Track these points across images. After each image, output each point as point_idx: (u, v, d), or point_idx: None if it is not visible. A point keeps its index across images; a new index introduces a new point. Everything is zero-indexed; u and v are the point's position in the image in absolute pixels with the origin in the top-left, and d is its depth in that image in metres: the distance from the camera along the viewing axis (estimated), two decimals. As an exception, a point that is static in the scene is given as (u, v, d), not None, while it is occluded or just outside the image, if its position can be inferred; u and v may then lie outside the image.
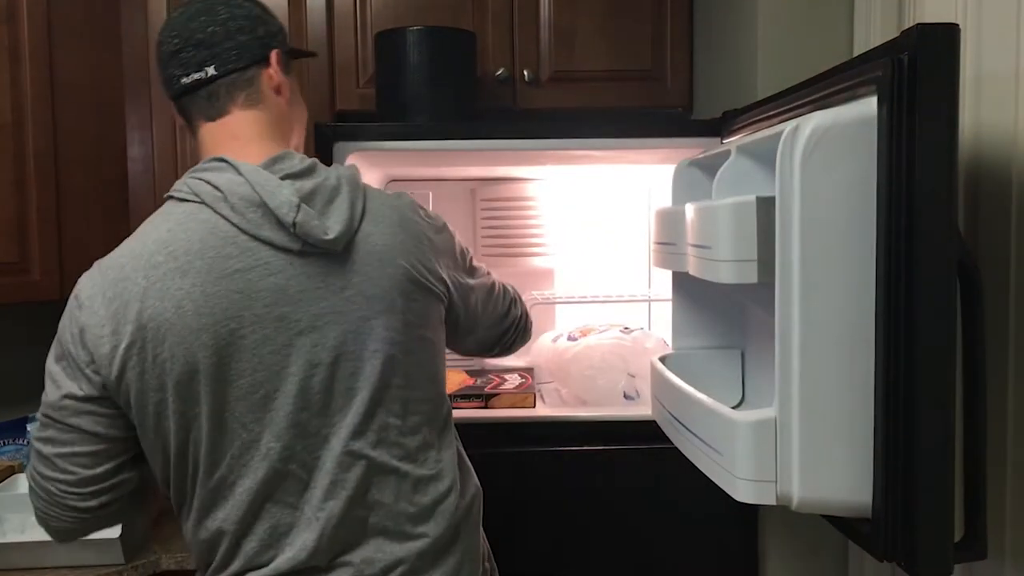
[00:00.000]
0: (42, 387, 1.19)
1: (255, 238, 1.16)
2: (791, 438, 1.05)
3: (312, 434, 1.19)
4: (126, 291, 1.15)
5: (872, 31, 1.64)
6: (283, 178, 1.18)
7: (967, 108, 1.24)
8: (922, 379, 0.97)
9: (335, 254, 1.19)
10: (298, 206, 1.15)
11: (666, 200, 1.62)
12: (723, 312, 1.60)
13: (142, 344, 1.14)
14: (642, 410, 1.73)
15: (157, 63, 1.28)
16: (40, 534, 1.73)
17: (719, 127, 1.67)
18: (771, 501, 1.07)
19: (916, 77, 0.96)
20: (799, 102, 1.25)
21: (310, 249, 1.17)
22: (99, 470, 1.20)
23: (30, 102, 1.93)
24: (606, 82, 2.16)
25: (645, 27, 2.16)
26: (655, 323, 2.26)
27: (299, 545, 1.18)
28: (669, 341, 1.75)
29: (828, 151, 1.02)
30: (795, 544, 1.76)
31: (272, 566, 1.19)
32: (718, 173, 1.32)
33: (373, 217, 1.24)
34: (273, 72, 1.27)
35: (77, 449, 1.19)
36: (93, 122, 2.05)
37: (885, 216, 0.98)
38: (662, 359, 1.56)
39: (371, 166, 1.78)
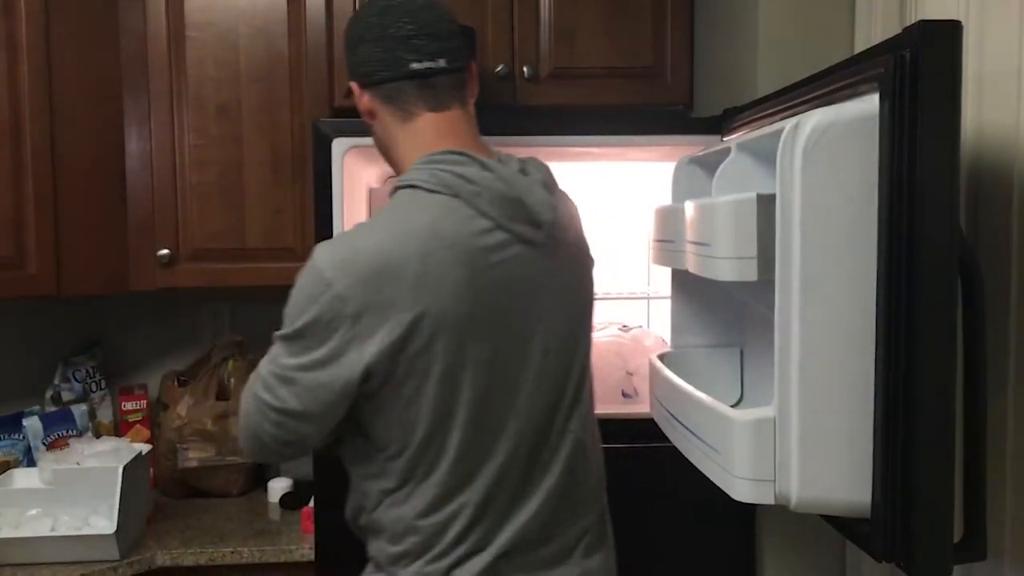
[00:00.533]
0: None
1: (508, 231, 1.23)
2: (790, 437, 1.04)
3: (540, 416, 1.26)
4: (396, 277, 1.17)
5: (873, 28, 1.63)
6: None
7: (969, 106, 1.23)
8: (922, 378, 0.96)
9: (553, 249, 1.28)
10: (553, 207, 1.26)
11: (666, 198, 1.61)
12: (722, 310, 1.60)
13: (413, 331, 1.17)
14: (640, 408, 1.72)
15: (373, 43, 1.29)
16: (35, 530, 1.74)
17: (719, 125, 1.67)
18: (769, 500, 1.06)
19: (918, 74, 0.95)
20: (800, 99, 1.24)
21: (546, 242, 1.26)
22: (317, 439, 1.29)
23: (27, 95, 1.93)
24: (606, 79, 2.15)
25: (646, 24, 2.14)
26: (654, 321, 2.25)
27: (520, 522, 1.25)
28: (668, 339, 1.75)
29: (829, 148, 1.01)
30: (792, 543, 1.75)
31: (497, 544, 1.24)
32: (718, 170, 1.31)
33: (567, 213, 1.33)
34: (474, 80, 1.36)
35: (309, 412, 1.24)
36: (91, 116, 2.04)
37: (886, 214, 0.97)
38: (661, 357, 1.55)
39: (367, 163, 1.76)
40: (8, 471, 1.88)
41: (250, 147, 2.11)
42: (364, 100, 1.35)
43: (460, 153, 1.26)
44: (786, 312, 1.03)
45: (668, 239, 1.42)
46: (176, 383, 2.24)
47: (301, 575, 1.85)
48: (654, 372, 1.50)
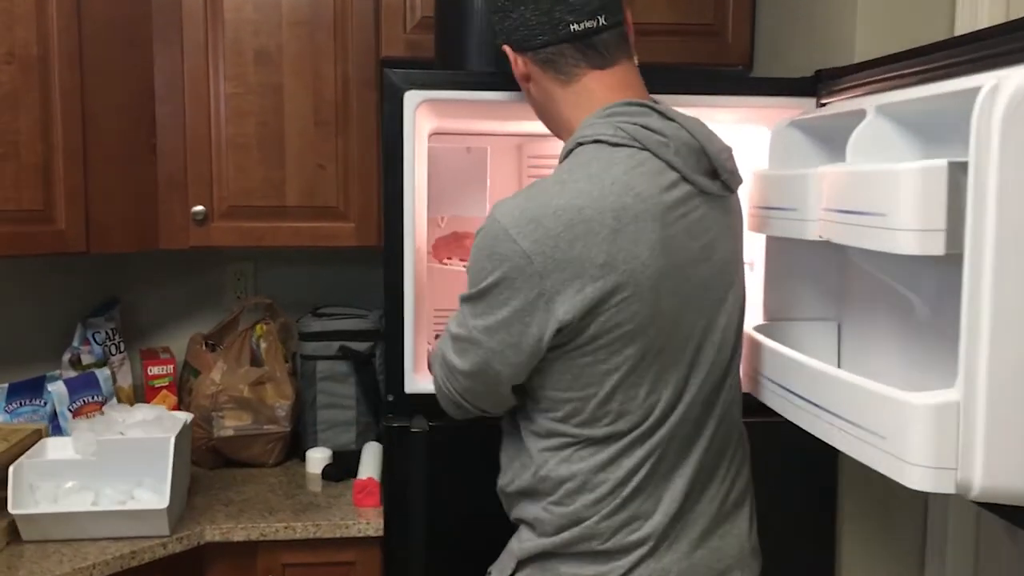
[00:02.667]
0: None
1: (691, 182, 1.21)
2: (975, 422, 0.97)
3: (717, 371, 1.26)
4: (590, 233, 1.14)
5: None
6: None
7: None
8: None
9: (725, 200, 1.27)
10: (731, 156, 1.25)
11: (751, 162, 1.53)
12: (820, 283, 1.53)
13: (608, 289, 1.15)
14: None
15: (528, 4, 1.25)
16: (77, 504, 1.63)
17: (812, 87, 1.58)
18: (950, 489, 0.99)
19: None
20: (953, 60, 1.16)
21: (720, 193, 1.25)
22: (510, 397, 1.29)
23: (56, 34, 1.77)
24: (666, 36, 2.04)
25: (706, -22, 2.05)
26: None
27: (673, 496, 1.24)
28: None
29: (1032, 114, 0.93)
30: (873, 526, 1.70)
31: (660, 513, 1.23)
32: (853, 136, 1.23)
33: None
34: (630, 29, 1.30)
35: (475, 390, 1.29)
36: (121, 61, 1.89)
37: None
38: (756, 329, 1.49)
39: (432, 117, 1.65)
40: (40, 440, 1.75)
41: (291, 97, 1.98)
42: (519, 65, 1.30)
43: (639, 104, 1.23)
44: (975, 290, 0.96)
45: (785, 207, 1.33)
46: (204, 347, 2.12)
47: (358, 551, 1.76)
48: (757, 346, 1.43)
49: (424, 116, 1.61)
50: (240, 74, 1.96)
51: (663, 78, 1.62)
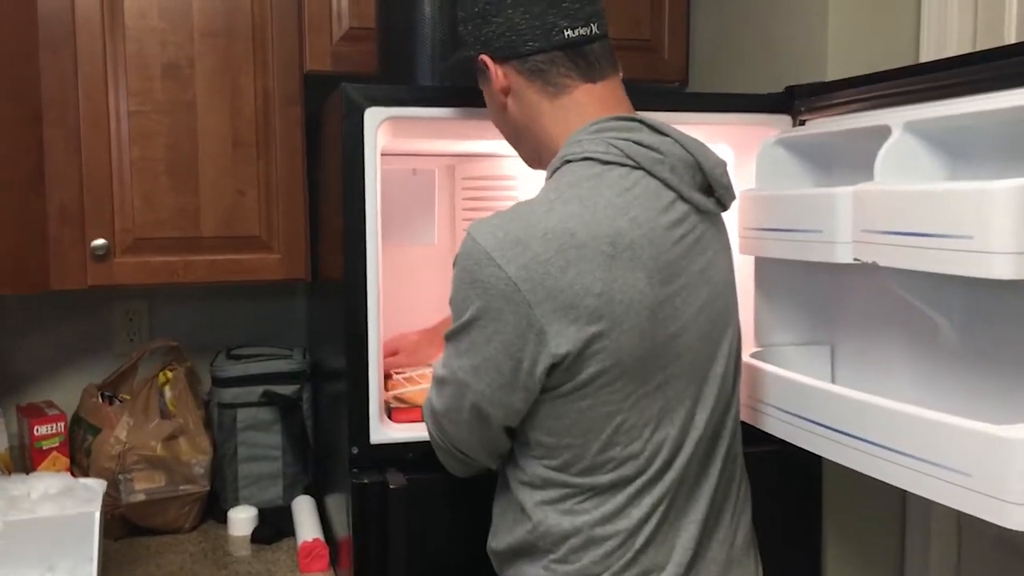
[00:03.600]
0: None
1: (686, 200, 1.13)
2: (1076, 455, 0.92)
3: (721, 405, 1.18)
4: (584, 259, 1.04)
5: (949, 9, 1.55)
6: None
7: None
8: None
9: (718, 217, 1.20)
10: (725, 169, 1.16)
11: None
12: (811, 306, 1.47)
13: (611, 320, 1.05)
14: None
15: (519, 7, 1.14)
16: None
17: (785, 104, 1.53)
18: (1051, 528, 0.93)
19: None
20: (955, 80, 1.13)
21: (714, 210, 1.17)
22: (507, 441, 1.20)
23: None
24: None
25: (644, -6, 1.98)
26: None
27: (684, 544, 1.15)
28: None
29: None
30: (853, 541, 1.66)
31: (673, 564, 1.14)
32: (883, 152, 1.18)
33: None
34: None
35: (461, 435, 1.22)
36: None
37: None
38: (754, 355, 1.41)
39: (387, 136, 1.50)
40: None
41: (205, 115, 1.76)
42: (499, 77, 1.18)
43: (629, 119, 1.13)
44: (1076, 315, 0.91)
45: (804, 228, 1.26)
46: (102, 399, 1.85)
47: (313, 625, 1.57)
48: (762, 374, 1.35)
49: (383, 135, 1.45)
50: (145, 89, 1.73)
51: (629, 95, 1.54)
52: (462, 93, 1.43)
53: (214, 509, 1.88)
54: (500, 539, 1.23)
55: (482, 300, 1.06)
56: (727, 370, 1.19)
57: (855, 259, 1.18)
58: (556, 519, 1.14)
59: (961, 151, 1.18)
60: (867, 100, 1.35)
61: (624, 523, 1.13)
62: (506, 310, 1.05)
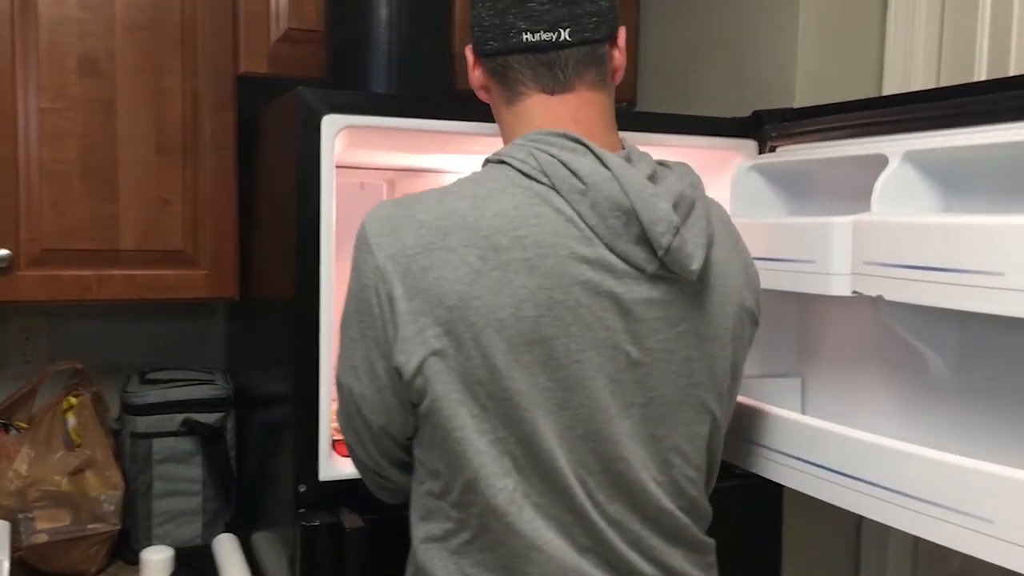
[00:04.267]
0: None
1: (609, 248, 0.97)
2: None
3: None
4: (449, 265, 0.95)
5: (915, 36, 1.54)
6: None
7: None
8: None
9: (679, 282, 1.01)
10: (676, 229, 0.97)
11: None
12: (780, 338, 1.43)
13: (456, 341, 0.95)
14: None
15: (484, 3, 1.05)
16: None
17: (753, 129, 1.49)
18: (1080, 578, 0.90)
19: None
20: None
21: (661, 273, 0.99)
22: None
23: None
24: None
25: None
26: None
27: None
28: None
29: None
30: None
31: None
32: (880, 182, 1.14)
33: (718, 240, 1.06)
34: (619, 52, 1.08)
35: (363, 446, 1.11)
36: None
37: None
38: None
39: (341, 146, 1.38)
40: None
41: (126, 116, 1.60)
42: (476, 74, 1.10)
43: (573, 139, 1.00)
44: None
45: (794, 258, 1.21)
46: (-4, 428, 1.67)
47: None
48: (761, 414, 1.29)
49: (339, 144, 1.33)
50: (59, 85, 1.56)
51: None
52: (426, 103, 1.34)
53: (123, 550, 1.71)
54: None
55: (357, 287, 1.00)
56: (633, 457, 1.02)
57: (854, 292, 1.13)
58: (440, 565, 1.04)
59: (956, 183, 1.15)
60: (846, 128, 1.32)
61: None
62: (373, 301, 0.98)
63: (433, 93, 1.50)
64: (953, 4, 1.49)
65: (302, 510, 1.30)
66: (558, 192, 0.98)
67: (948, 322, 1.15)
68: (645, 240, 0.97)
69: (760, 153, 1.49)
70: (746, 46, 1.67)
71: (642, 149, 1.07)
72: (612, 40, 1.07)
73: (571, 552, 1.00)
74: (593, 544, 1.01)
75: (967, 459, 0.97)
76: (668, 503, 1.05)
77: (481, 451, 0.98)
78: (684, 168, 1.07)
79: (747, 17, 1.67)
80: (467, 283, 0.95)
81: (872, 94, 1.59)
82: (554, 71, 1.04)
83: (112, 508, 1.63)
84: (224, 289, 1.68)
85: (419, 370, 0.97)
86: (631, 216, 0.97)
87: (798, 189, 1.41)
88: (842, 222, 1.14)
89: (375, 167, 1.83)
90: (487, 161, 1.05)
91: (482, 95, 1.12)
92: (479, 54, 1.08)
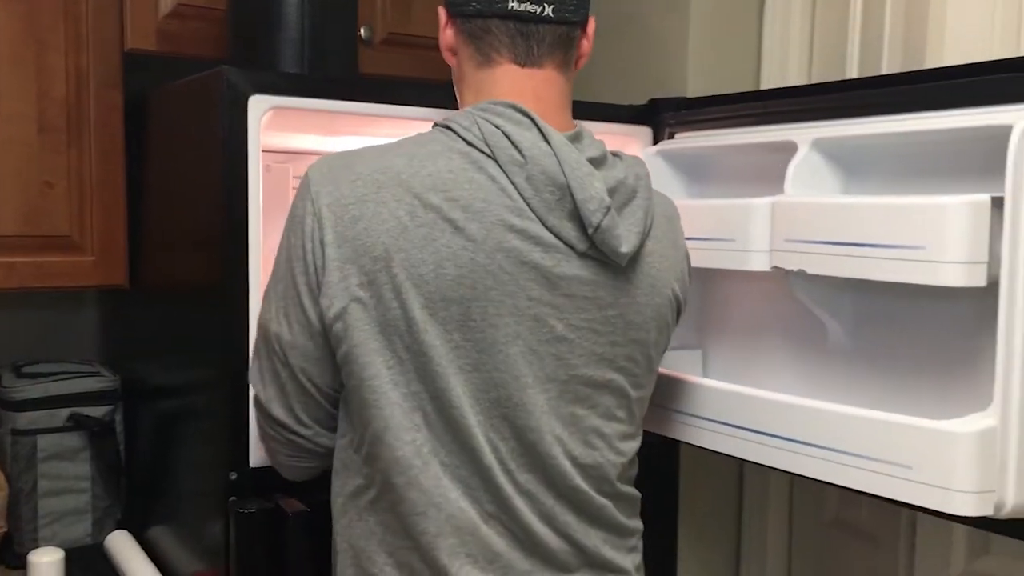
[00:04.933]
0: None
1: (541, 221, 1.01)
2: (1009, 445, 1.02)
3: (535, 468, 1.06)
4: (378, 217, 0.98)
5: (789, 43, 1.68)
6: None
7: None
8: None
9: (611, 266, 1.05)
10: (608, 208, 1.01)
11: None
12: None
13: (377, 291, 0.97)
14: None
15: None
16: None
17: (648, 116, 1.58)
18: (988, 511, 1.03)
19: None
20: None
21: (591, 253, 1.03)
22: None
23: None
24: (437, 51, 1.91)
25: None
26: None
27: None
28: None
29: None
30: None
31: None
32: (792, 168, 1.25)
33: (655, 231, 1.10)
34: (587, 40, 1.13)
35: (285, 403, 1.09)
36: None
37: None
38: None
39: (283, 131, 1.37)
40: None
41: (5, 94, 1.50)
42: (448, 34, 1.11)
43: (522, 112, 1.03)
44: (1010, 319, 1.01)
45: (715, 237, 1.30)
46: None
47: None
48: (676, 383, 1.38)
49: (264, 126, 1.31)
50: (-73, 57, 1.45)
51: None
52: (358, 85, 1.35)
53: (5, 553, 1.60)
54: None
55: (293, 233, 1.02)
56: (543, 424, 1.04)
57: (774, 267, 1.23)
58: (352, 519, 1.06)
59: (855, 168, 1.28)
60: (742, 117, 1.43)
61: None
62: (308, 247, 1.00)
63: (345, 76, 1.50)
64: (825, 2, 1.63)
65: (233, 498, 1.28)
66: (496, 162, 1.01)
67: (847, 293, 1.28)
68: (577, 217, 1.01)
69: (656, 140, 1.59)
70: (641, 37, 1.76)
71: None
72: (584, 26, 1.11)
73: (473, 514, 1.02)
74: (499, 511, 1.03)
75: (889, 413, 1.08)
76: (583, 483, 1.07)
77: (393, 402, 1.00)
78: (634, 160, 1.12)
79: (643, 8, 1.76)
80: (393, 236, 0.98)
81: (751, 87, 1.72)
82: (530, 43, 1.07)
83: (-3, 510, 1.53)
84: (113, 276, 1.61)
85: (340, 315, 0.99)
86: (565, 192, 1.00)
87: (698, 174, 1.51)
88: (762, 203, 1.24)
89: (272, 149, 1.79)
90: (435, 125, 1.07)
91: (448, 56, 1.13)
92: (456, 15, 1.08)
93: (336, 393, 1.07)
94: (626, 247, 1.03)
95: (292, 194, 1.79)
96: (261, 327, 1.08)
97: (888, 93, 1.23)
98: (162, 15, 1.61)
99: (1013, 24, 1.37)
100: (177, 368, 1.50)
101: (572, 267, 1.03)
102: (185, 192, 1.42)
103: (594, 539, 1.10)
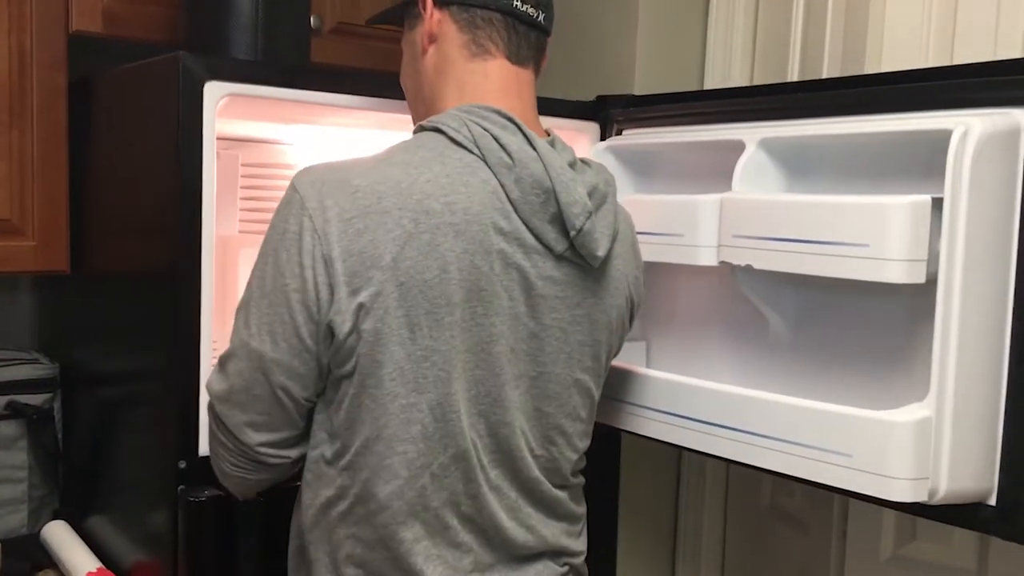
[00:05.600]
0: None
1: (525, 223, 1.04)
2: (943, 434, 1.08)
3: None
4: (383, 227, 0.98)
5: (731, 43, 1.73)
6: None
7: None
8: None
9: (582, 268, 1.10)
10: (590, 213, 1.06)
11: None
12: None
13: (386, 299, 0.98)
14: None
15: None
16: None
17: (595, 112, 1.61)
18: (923, 498, 1.08)
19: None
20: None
21: (567, 255, 1.07)
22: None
23: None
24: (384, 42, 1.92)
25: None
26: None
27: None
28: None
29: (988, 157, 1.06)
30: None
31: None
32: (740, 166, 1.29)
33: (621, 236, 1.15)
34: (545, 57, 1.19)
35: (253, 418, 1.08)
36: None
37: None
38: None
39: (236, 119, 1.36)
40: None
41: (-54, 73, 1.46)
42: (433, 20, 1.11)
43: (507, 117, 1.07)
44: (947, 314, 1.06)
45: (663, 232, 1.34)
46: None
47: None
48: (620, 373, 1.41)
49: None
50: None
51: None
52: (314, 74, 1.35)
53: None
54: None
55: (286, 251, 1.00)
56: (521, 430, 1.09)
57: (721, 262, 1.27)
58: (320, 531, 1.08)
59: (799, 167, 1.32)
60: (688, 116, 1.47)
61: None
62: (307, 263, 0.99)
63: (298, 64, 1.49)
64: (768, 6, 1.68)
65: (182, 486, 1.27)
66: (487, 164, 1.04)
67: (788, 287, 1.33)
68: (559, 220, 1.05)
69: (603, 136, 1.62)
70: (590, 34, 1.79)
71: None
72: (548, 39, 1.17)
73: (450, 518, 1.05)
74: (474, 511, 1.07)
75: (829, 404, 1.13)
76: (542, 476, 1.12)
77: (390, 413, 1.01)
78: (600, 166, 1.17)
79: (592, 7, 1.79)
80: (399, 244, 0.98)
81: (695, 87, 1.76)
82: (520, 44, 1.12)
83: (-70, 501, 1.50)
84: (54, 262, 1.57)
85: (353, 329, 0.99)
86: (550, 196, 1.04)
87: (646, 170, 1.54)
88: (710, 199, 1.28)
89: (222, 136, 1.77)
90: (421, 128, 1.08)
91: (424, 42, 1.13)
92: (451, 2, 1.10)
93: (310, 404, 1.07)
94: (601, 250, 1.09)
95: (240, 181, 1.82)
96: (239, 343, 1.05)
97: (834, 96, 1.28)
98: (110, -5, 1.58)
99: (947, 33, 1.43)
100: (121, 355, 1.48)
101: (547, 268, 1.07)
102: (135, 178, 1.40)
103: (553, 528, 1.14)
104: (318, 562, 1.08)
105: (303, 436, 1.11)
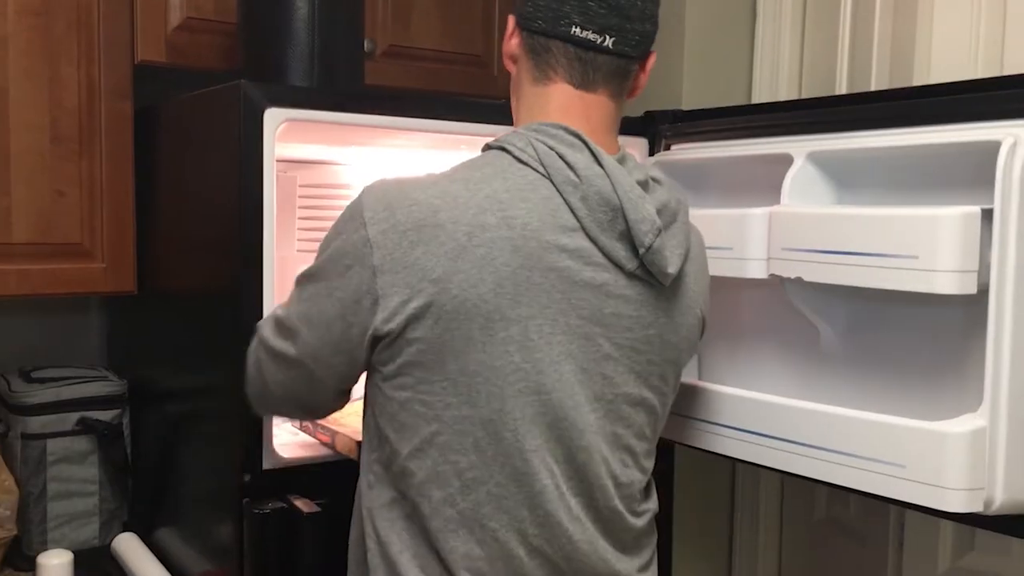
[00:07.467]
0: None
1: (592, 240, 1.04)
2: (998, 444, 1.08)
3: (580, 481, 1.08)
4: (436, 240, 0.99)
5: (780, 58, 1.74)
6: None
7: None
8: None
9: (654, 286, 1.09)
10: (659, 230, 1.04)
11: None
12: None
13: (437, 311, 0.99)
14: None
15: None
16: None
17: (645, 128, 1.63)
18: (978, 508, 1.08)
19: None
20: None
21: (638, 273, 1.07)
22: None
23: None
24: (434, 62, 1.96)
25: (476, 9, 2.01)
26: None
27: None
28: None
29: (1041, 168, 1.06)
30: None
31: None
32: (788, 179, 1.30)
33: (693, 255, 1.15)
34: (644, 74, 1.15)
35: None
36: None
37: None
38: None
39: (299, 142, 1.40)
40: None
41: (20, 104, 1.53)
42: (513, 42, 1.14)
43: (574, 134, 1.06)
44: (999, 325, 1.07)
45: (716, 246, 1.34)
46: None
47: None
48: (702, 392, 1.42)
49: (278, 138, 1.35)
50: (-55, 68, 1.47)
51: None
52: (367, 99, 1.39)
53: (14, 556, 1.63)
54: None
55: (338, 252, 1.04)
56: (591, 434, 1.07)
57: (771, 275, 1.28)
58: (388, 525, 1.08)
59: (847, 180, 1.33)
60: (736, 130, 1.49)
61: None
62: (354, 270, 1.02)
63: (353, 88, 1.54)
64: (815, 20, 1.69)
65: (247, 499, 1.31)
66: (552, 182, 1.03)
67: (838, 298, 1.33)
68: (628, 238, 1.04)
69: (652, 151, 1.64)
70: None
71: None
72: (643, 61, 1.13)
73: (515, 545, 1.05)
74: (545, 542, 1.05)
75: (883, 415, 1.14)
76: (619, 504, 1.11)
77: (443, 421, 1.02)
78: (673, 184, 1.17)
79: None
80: (452, 257, 0.99)
81: (743, 101, 1.77)
82: (586, 69, 1.09)
83: (9, 513, 1.55)
84: (122, 283, 1.64)
85: (400, 333, 1.01)
86: (618, 213, 1.04)
87: (694, 184, 1.56)
88: (759, 213, 1.30)
89: (280, 159, 1.83)
90: (487, 146, 1.10)
91: (508, 64, 1.16)
92: (523, 27, 1.11)
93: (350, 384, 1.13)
94: (672, 268, 1.07)
95: (298, 201, 1.87)
96: (289, 323, 1.10)
97: (882, 108, 1.29)
98: (171, 28, 1.64)
99: (996, 43, 1.43)
100: (186, 372, 1.53)
101: (620, 287, 1.06)
102: (198, 201, 1.46)
103: (626, 564, 1.14)
104: (378, 569, 1.09)
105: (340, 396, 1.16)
